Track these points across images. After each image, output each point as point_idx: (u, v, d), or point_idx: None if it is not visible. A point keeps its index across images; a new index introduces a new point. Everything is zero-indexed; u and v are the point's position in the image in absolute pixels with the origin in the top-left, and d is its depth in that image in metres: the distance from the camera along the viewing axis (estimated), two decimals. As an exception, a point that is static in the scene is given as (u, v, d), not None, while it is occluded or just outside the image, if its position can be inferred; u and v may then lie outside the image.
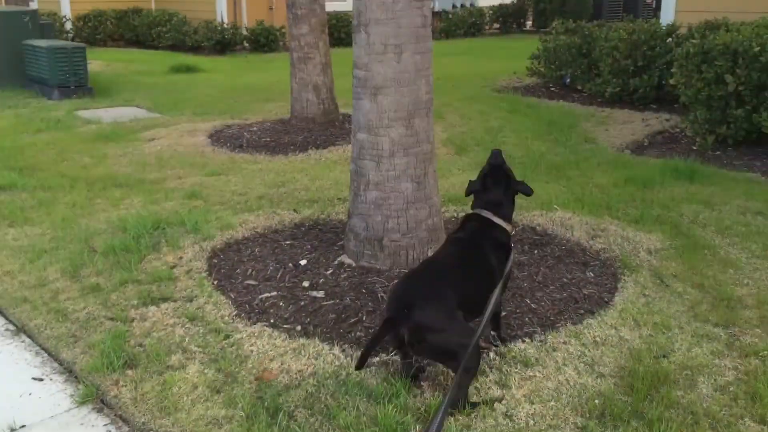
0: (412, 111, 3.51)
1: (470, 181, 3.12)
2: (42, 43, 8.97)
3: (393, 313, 2.64)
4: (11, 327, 3.36)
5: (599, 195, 4.99)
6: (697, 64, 6.01)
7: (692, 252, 3.96)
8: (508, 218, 3.02)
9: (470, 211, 3.09)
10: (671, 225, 4.36)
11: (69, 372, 2.97)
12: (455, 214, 4.65)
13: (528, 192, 3.04)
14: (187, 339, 3.13)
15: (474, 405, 2.59)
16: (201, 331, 3.20)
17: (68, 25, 15.61)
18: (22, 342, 3.23)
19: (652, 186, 5.16)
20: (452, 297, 2.65)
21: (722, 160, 5.93)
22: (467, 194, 3.11)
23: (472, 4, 19.17)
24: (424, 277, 2.80)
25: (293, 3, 6.70)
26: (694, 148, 6.25)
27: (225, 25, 14.74)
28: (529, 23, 19.71)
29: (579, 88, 9.13)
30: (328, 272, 3.71)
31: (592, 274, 3.74)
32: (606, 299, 3.46)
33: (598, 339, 3.05)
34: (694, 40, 6.10)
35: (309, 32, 6.69)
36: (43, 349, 3.16)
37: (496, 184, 3.02)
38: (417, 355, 2.72)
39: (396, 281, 2.97)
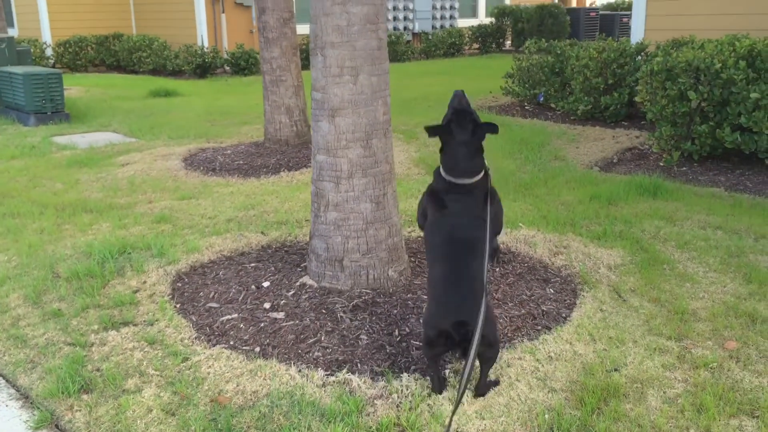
0: (369, 132, 3.56)
1: (433, 127, 2.95)
2: (18, 69, 9.00)
3: (462, 317, 2.61)
4: (-30, 354, 3.36)
5: (564, 212, 5.04)
6: (661, 82, 6.11)
7: (651, 267, 4.01)
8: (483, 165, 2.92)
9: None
10: (632, 240, 4.42)
11: (26, 398, 2.97)
12: (421, 234, 4.68)
13: (494, 130, 2.89)
14: (145, 362, 3.14)
15: (496, 383, 2.85)
16: (159, 354, 3.21)
17: (49, 51, 15.65)
18: (-20, 369, 3.22)
19: (617, 202, 5.22)
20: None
21: (688, 175, 6.01)
22: (431, 136, 2.94)
23: (451, 25, 19.39)
24: (465, 274, 2.74)
25: (264, 26, 6.77)
26: (661, 164, 6.33)
27: (205, 49, 14.82)
28: (508, 43, 19.94)
29: (553, 106, 9.24)
30: (290, 293, 3.73)
31: (552, 291, 3.78)
32: (564, 315, 3.50)
33: (552, 354, 3.09)
34: (658, 58, 6.20)
35: (281, 55, 6.75)
36: (0, 375, 3.16)
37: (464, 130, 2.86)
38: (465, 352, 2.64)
39: (439, 283, 2.82)
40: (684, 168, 6.19)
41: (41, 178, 6.43)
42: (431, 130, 2.91)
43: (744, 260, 4.07)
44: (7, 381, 3.11)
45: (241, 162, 6.71)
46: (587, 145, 7.29)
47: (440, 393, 2.82)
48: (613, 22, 19.05)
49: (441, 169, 2.93)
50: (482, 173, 2.89)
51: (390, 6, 17.94)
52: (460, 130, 2.85)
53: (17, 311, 3.69)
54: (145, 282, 3.99)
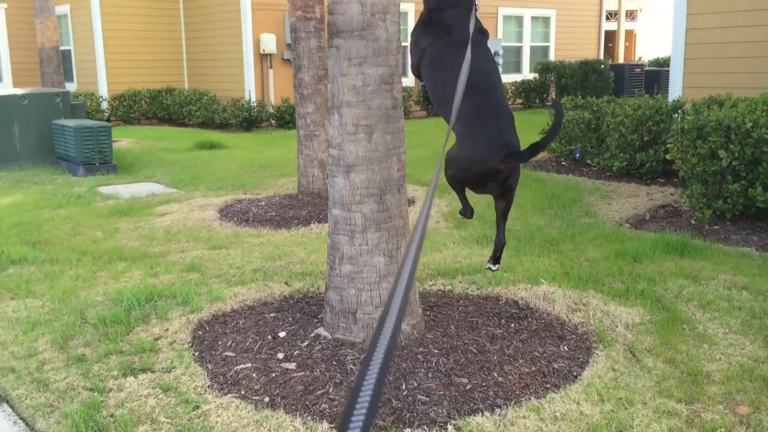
0: (383, 188, 3.65)
1: None
2: (70, 122, 9.44)
3: (504, 155, 3.04)
4: (-5, 396, 3.50)
5: (588, 269, 5.02)
6: (692, 140, 6.09)
7: (670, 327, 3.96)
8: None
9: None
10: (654, 299, 4.37)
11: (41, 440, 3.08)
12: (443, 288, 4.72)
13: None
14: (157, 410, 3.22)
15: None
16: (172, 402, 3.29)
17: (104, 105, 16.34)
18: (3, 411, 3.35)
19: (643, 260, 5.18)
20: None
21: (720, 234, 5.92)
22: None
23: (495, 81, 19.58)
24: (505, 116, 3.14)
25: (300, 83, 7.00)
26: (693, 222, 6.26)
27: (252, 103, 15.29)
28: (552, 98, 20.01)
29: (589, 162, 9.24)
30: (304, 344, 3.80)
31: (566, 348, 3.76)
32: (575, 374, 3.47)
33: (558, 414, 3.06)
34: (688, 116, 6.19)
35: (315, 111, 6.96)
36: (21, 418, 3.28)
37: None
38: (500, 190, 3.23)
39: (479, 121, 3.15)
40: (716, 226, 6.11)
41: (83, 226, 6.69)
42: None
43: (766, 322, 3.99)
44: (26, 424, 3.22)
45: (274, 213, 6.88)
46: (620, 202, 7.25)
47: (471, 217, 3.39)
48: (658, 78, 19.01)
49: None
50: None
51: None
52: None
53: (44, 355, 3.84)
54: (167, 329, 4.11)
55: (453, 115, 2.39)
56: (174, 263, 5.46)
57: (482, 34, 3.18)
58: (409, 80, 18.12)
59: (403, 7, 17.75)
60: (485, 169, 3.07)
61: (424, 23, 3.26)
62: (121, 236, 6.33)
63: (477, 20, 3.17)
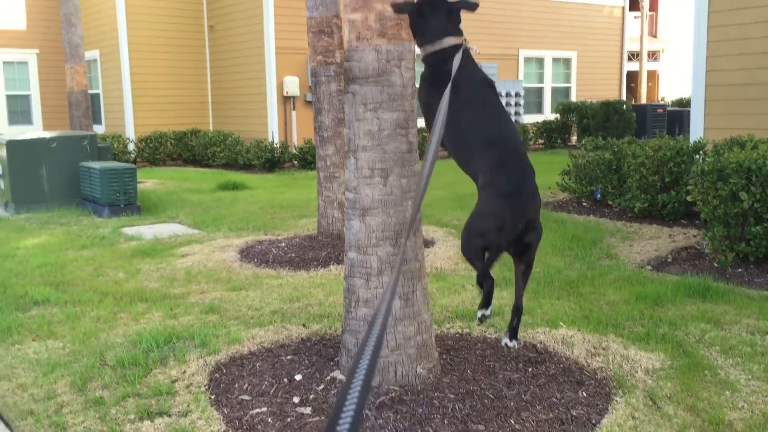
0: (399, 231, 3.67)
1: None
2: (96, 164, 9.63)
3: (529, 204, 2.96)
4: (13, 438, 3.53)
5: (608, 312, 4.97)
6: (713, 182, 6.05)
7: (692, 372, 3.89)
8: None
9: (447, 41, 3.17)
10: (675, 344, 4.30)
11: (56, 484, 3.08)
12: (460, 331, 4.69)
13: (471, 5, 3.14)
14: (172, 453, 3.22)
15: None
16: (187, 445, 3.29)
17: (131, 146, 16.65)
18: (21, 453, 3.38)
19: (664, 303, 5.12)
20: None
21: (743, 277, 5.84)
22: (396, 11, 3.24)
23: (516, 121, 19.68)
24: (528, 165, 3.08)
25: (320, 126, 7.10)
26: (716, 265, 6.19)
27: (275, 145, 15.49)
28: (573, 138, 20.04)
29: (610, 203, 9.19)
30: (320, 388, 3.78)
31: (585, 394, 3.71)
32: (594, 421, 3.42)
33: (575, 462, 3.01)
34: (708, 158, 6.16)
35: (335, 153, 7.04)
36: (38, 460, 3.30)
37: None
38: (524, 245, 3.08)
39: (510, 170, 3.10)
40: (739, 269, 6.03)
41: (106, 267, 6.77)
42: (397, 6, 3.17)
43: (791, 368, 3.91)
44: (42, 466, 3.24)
45: (294, 255, 6.91)
46: (641, 244, 7.19)
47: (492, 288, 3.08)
48: (681, 119, 18.98)
49: (421, 51, 3.11)
50: (461, 38, 3.10)
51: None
52: (433, 10, 3.13)
53: (62, 398, 3.86)
54: (184, 372, 4.12)
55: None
56: (193, 304, 5.49)
57: (489, 86, 3.20)
58: (430, 121, 18.24)
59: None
60: (513, 217, 2.97)
61: (431, 84, 3.24)
62: (142, 277, 6.40)
63: (481, 71, 3.20)
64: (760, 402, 3.53)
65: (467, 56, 3.18)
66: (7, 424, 3.67)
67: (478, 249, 3.03)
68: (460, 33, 3.19)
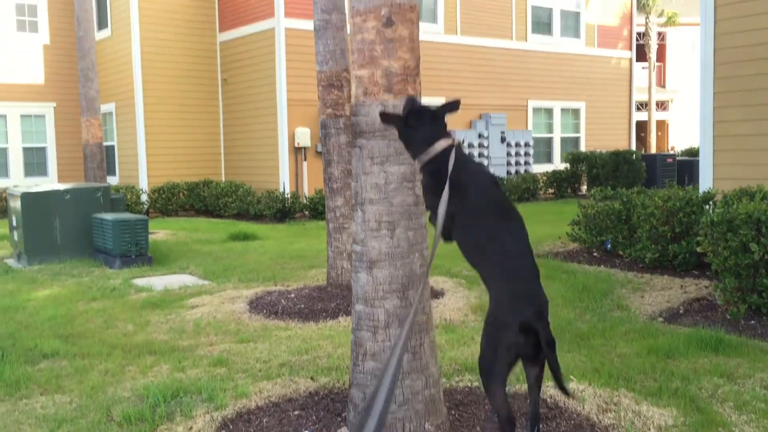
0: (406, 283, 3.68)
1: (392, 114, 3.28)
2: (108, 216, 9.72)
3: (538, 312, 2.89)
4: (17, 494, 3.49)
5: (619, 365, 4.91)
6: (723, 233, 6.03)
7: (705, 430, 3.82)
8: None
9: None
10: (688, 399, 4.24)
11: None
12: (469, 384, 4.64)
13: (455, 107, 3.18)
14: None
15: None
16: (191, 502, 3.24)
17: (144, 197, 16.83)
18: None
19: (676, 357, 5.05)
20: None
21: (756, 329, 5.77)
22: (384, 122, 3.29)
23: (526, 171, 19.78)
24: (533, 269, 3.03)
25: (330, 177, 7.17)
26: (728, 317, 6.12)
27: (286, 195, 15.61)
28: (584, 188, 20.07)
29: (620, 253, 9.16)
30: (327, 444, 3.74)
31: (596, 451, 3.64)
32: (605, 478, 3.35)
33: None
34: (717, 209, 6.16)
35: (344, 204, 7.09)
36: None
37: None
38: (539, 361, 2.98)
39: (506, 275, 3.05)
40: (752, 321, 5.96)
41: (116, 319, 6.78)
42: (385, 117, 3.21)
43: (807, 424, 3.83)
44: None
45: (303, 306, 6.90)
46: (653, 295, 7.13)
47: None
48: (691, 169, 18.98)
49: (419, 163, 3.13)
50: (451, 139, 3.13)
51: (465, 153, 18.56)
52: (418, 121, 3.16)
53: (67, 452, 3.84)
54: (191, 428, 4.09)
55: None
56: (202, 357, 5.48)
57: (495, 184, 3.22)
58: (440, 171, 18.37)
59: (434, 100, 18.23)
60: (522, 333, 2.92)
61: (435, 191, 3.16)
62: (151, 329, 6.40)
63: (484, 168, 3.24)
64: (775, 459, 3.45)
65: (462, 154, 3.20)
66: (11, 480, 3.64)
67: (496, 373, 2.97)
68: (448, 135, 3.21)
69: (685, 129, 36.80)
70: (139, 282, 8.55)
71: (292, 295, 7.43)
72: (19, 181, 17.95)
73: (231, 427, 4.11)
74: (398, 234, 3.65)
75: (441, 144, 3.22)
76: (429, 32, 17.91)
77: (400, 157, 3.66)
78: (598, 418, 4.03)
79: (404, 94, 3.68)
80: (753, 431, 3.79)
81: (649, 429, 3.85)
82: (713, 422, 3.90)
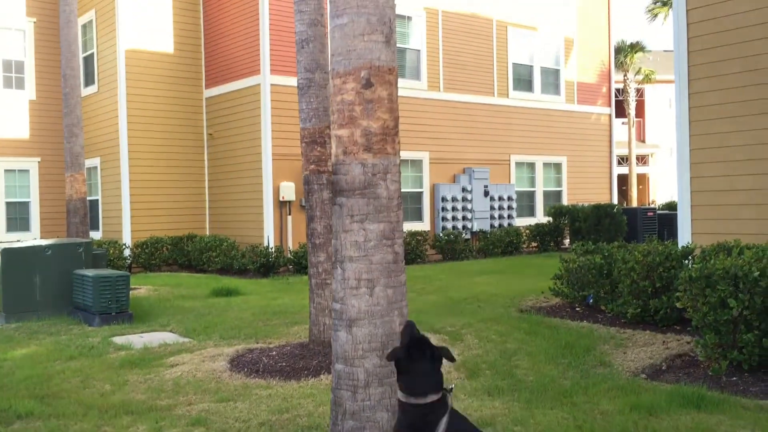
0: (385, 342, 3.67)
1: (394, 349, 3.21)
2: (89, 272, 9.65)
3: None
4: None
5: (602, 422, 4.89)
6: (701, 289, 6.09)
7: (688, 487, 3.79)
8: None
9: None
10: (670, 457, 4.21)
11: None
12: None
13: (451, 359, 3.17)
14: None
15: None
16: None
17: (127, 252, 16.72)
18: None
19: (658, 413, 5.04)
20: None
21: (738, 386, 5.77)
22: (389, 359, 3.18)
23: (509, 224, 19.90)
24: None
25: (312, 233, 7.19)
26: (710, 373, 6.12)
27: (270, 249, 15.57)
28: (566, 241, 20.20)
29: (603, 308, 9.18)
30: (305, 507, 3.67)
31: None
32: None
33: None
34: (695, 265, 6.22)
35: (326, 260, 7.09)
36: None
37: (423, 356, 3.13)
38: None
39: None
40: (734, 377, 5.97)
41: (93, 378, 6.67)
42: (391, 355, 3.14)
43: (789, 483, 3.81)
44: None
45: (284, 364, 6.84)
46: (635, 351, 7.13)
47: None
48: (671, 222, 19.19)
49: (402, 395, 3.03)
50: (441, 393, 3.08)
51: (449, 207, 18.71)
52: (419, 354, 3.08)
53: None
54: (167, 490, 4.00)
55: None
56: (180, 417, 5.39)
57: None
58: (424, 224, 18.48)
59: (418, 155, 18.44)
60: None
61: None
62: (129, 389, 6.30)
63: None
64: None
65: (456, 414, 3.19)
66: None
67: None
68: (440, 389, 3.18)
69: (666, 182, 37.36)
70: (119, 340, 8.44)
71: (274, 352, 7.36)
72: (0, 237, 17.81)
73: (208, 490, 4.02)
74: (377, 292, 3.67)
75: (432, 397, 3.10)
76: (413, 89, 18.23)
77: (380, 215, 3.70)
78: (580, 477, 3.99)
79: (383, 154, 3.75)
80: (735, 490, 3.77)
81: (632, 489, 3.81)
82: (695, 481, 3.87)
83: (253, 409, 5.52)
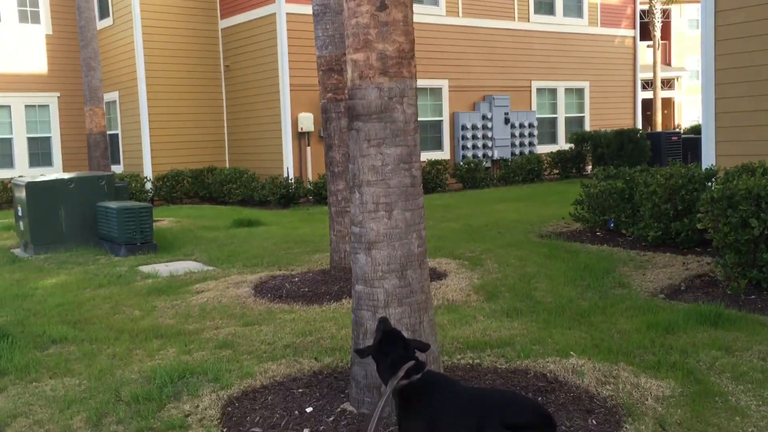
0: (404, 263, 3.74)
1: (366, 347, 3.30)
2: (113, 204, 9.80)
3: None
4: (29, 473, 3.59)
5: (619, 341, 4.97)
6: (723, 209, 6.06)
7: (702, 399, 3.88)
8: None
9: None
10: (686, 371, 4.29)
11: None
12: (471, 362, 4.71)
13: (423, 348, 3.19)
14: (183, 486, 3.27)
15: None
16: (198, 478, 3.33)
17: (148, 185, 16.91)
18: (36, 488, 3.44)
19: (675, 331, 5.11)
20: None
21: (756, 304, 5.81)
22: (362, 357, 3.28)
23: (531, 152, 19.75)
24: None
25: (331, 161, 7.22)
26: (729, 292, 6.16)
27: (290, 180, 15.66)
28: (589, 168, 20.04)
29: (623, 232, 9.19)
30: (330, 419, 3.82)
31: (594, 422, 3.71)
32: (602, 449, 3.42)
33: (582, 490, 3.02)
34: (717, 186, 6.18)
35: (345, 188, 7.14)
36: (52, 495, 3.36)
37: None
38: None
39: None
40: (753, 296, 6.00)
41: (122, 305, 6.87)
42: (361, 352, 3.21)
43: (802, 394, 3.89)
44: (56, 501, 3.30)
45: (307, 289, 6.98)
46: (655, 272, 7.18)
47: None
48: (696, 146, 18.92)
49: (389, 388, 3.03)
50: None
51: (469, 135, 18.58)
52: (391, 347, 3.09)
53: (77, 433, 3.93)
54: (197, 406, 4.17)
55: None
56: (207, 340, 5.56)
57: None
58: (444, 153, 18.40)
59: (437, 83, 18.21)
60: None
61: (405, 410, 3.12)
62: (158, 314, 6.49)
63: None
64: (770, 428, 3.51)
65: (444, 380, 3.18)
66: (23, 461, 3.74)
67: None
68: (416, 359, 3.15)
69: (692, 107, 36.65)
70: (145, 269, 8.64)
71: (296, 279, 7.51)
72: (24, 172, 18.05)
73: (237, 404, 4.19)
74: (396, 215, 3.71)
75: (407, 366, 3.06)
76: (430, 14, 17.85)
77: (397, 139, 3.71)
78: (596, 390, 4.09)
79: (400, 77, 3.73)
80: (749, 400, 3.85)
81: (647, 399, 3.91)
82: (710, 392, 3.96)
83: (277, 332, 5.68)
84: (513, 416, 2.81)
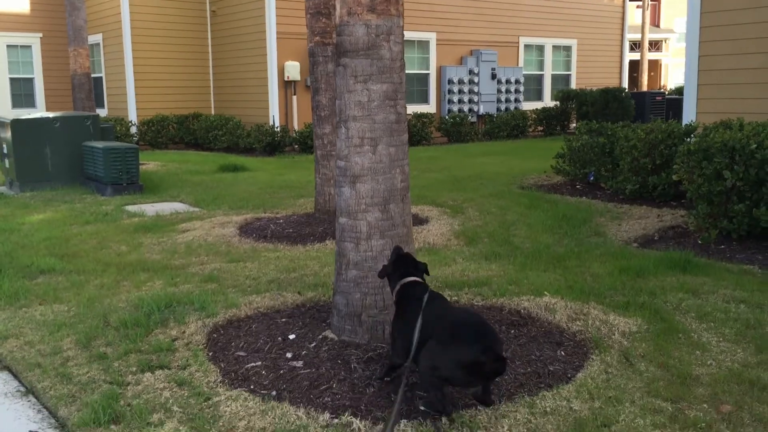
0: (387, 197, 3.87)
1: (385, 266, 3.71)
2: (99, 144, 9.82)
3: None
4: (22, 388, 3.74)
5: (591, 283, 5.17)
6: (698, 161, 6.24)
7: (666, 335, 4.09)
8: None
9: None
10: (653, 311, 4.50)
11: (63, 426, 3.30)
12: (448, 299, 4.88)
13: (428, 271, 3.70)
14: (171, 401, 3.43)
15: None
16: (186, 394, 3.50)
17: (133, 129, 16.84)
18: (29, 401, 3.59)
19: (645, 275, 5.31)
20: None
21: (725, 253, 6.03)
22: (381, 276, 3.68)
23: (516, 108, 19.83)
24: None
25: (318, 105, 7.29)
26: (700, 242, 6.37)
27: (276, 128, 15.66)
28: (573, 125, 20.17)
29: (602, 185, 9.38)
30: (312, 345, 3.99)
31: (563, 353, 3.91)
32: (569, 375, 3.62)
33: (548, 409, 3.22)
34: (694, 138, 6.34)
35: (331, 131, 7.23)
36: (45, 407, 3.51)
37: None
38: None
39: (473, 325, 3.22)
40: (722, 246, 6.22)
41: (109, 241, 6.97)
42: (381, 272, 3.67)
43: (760, 332, 4.11)
44: (49, 412, 3.46)
45: (291, 230, 7.11)
46: (630, 223, 7.38)
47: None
48: (679, 106, 19.05)
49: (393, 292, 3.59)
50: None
51: (455, 89, 18.58)
52: (404, 265, 3.63)
53: (68, 353, 4.08)
54: (184, 332, 4.33)
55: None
56: (193, 274, 5.70)
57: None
58: (430, 106, 18.43)
59: (425, 36, 18.13)
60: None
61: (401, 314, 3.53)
62: (144, 250, 6.60)
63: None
64: (727, 360, 3.73)
65: (435, 292, 3.54)
66: (15, 375, 3.89)
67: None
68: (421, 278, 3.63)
69: (679, 69, 36.69)
70: (131, 208, 8.72)
71: (281, 221, 7.64)
72: (6, 113, 17.89)
73: (222, 331, 4.35)
74: (380, 150, 3.82)
75: (410, 279, 3.56)
76: (421, -35, 17.69)
77: (383, 76, 3.80)
78: (567, 325, 4.29)
79: (387, 15, 3.80)
80: (711, 336, 4.07)
81: (614, 334, 4.11)
82: (674, 329, 4.17)
83: (262, 268, 5.82)
84: (460, 340, 3.13)
